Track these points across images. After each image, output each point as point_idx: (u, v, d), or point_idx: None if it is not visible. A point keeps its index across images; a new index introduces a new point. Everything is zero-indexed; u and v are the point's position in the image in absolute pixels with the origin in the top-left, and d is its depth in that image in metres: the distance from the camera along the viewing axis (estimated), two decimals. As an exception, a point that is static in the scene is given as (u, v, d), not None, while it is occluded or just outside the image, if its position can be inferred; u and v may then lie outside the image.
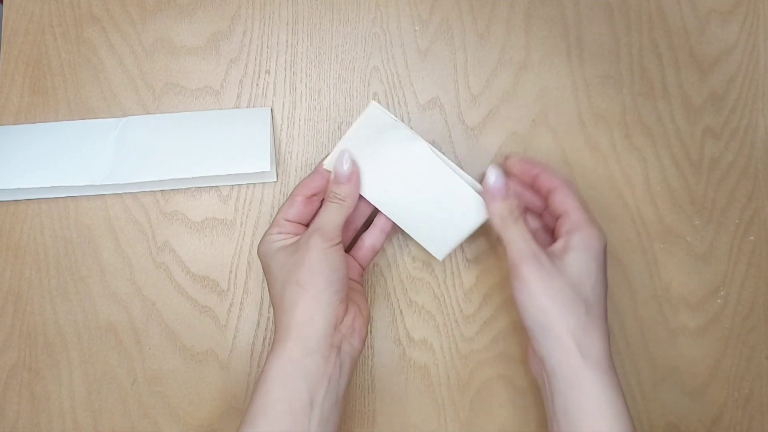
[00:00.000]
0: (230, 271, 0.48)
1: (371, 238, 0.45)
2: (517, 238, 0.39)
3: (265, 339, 0.47)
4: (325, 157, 0.43)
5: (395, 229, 0.45)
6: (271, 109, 0.49)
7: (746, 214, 0.48)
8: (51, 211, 0.48)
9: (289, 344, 0.38)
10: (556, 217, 0.42)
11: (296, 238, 0.41)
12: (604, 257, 0.40)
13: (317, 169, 0.43)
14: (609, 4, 0.50)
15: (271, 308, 0.47)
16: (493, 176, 0.41)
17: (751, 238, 0.48)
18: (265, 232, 0.42)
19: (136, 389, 0.46)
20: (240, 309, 0.47)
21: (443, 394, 0.46)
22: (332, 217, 0.41)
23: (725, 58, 0.50)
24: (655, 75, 0.49)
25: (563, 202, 0.41)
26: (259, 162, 0.46)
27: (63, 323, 0.47)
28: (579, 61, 0.49)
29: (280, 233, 0.41)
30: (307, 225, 0.42)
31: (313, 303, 0.38)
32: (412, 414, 0.46)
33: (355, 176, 0.42)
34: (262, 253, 0.42)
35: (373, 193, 0.43)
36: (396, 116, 0.49)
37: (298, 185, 0.43)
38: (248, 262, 0.48)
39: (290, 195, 0.43)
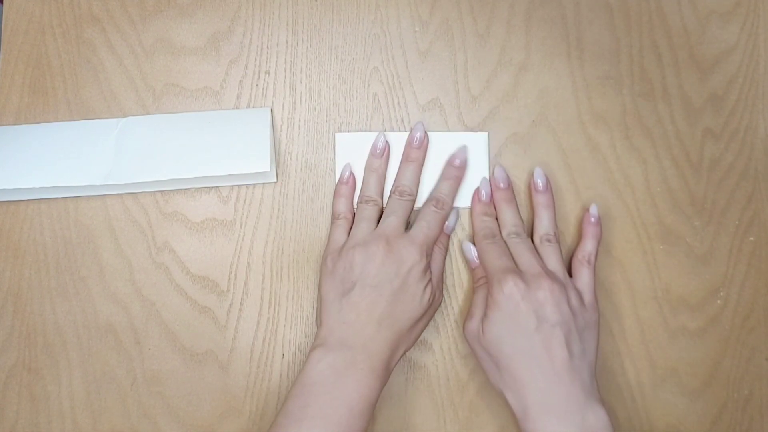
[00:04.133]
0: (230, 272, 0.47)
1: None
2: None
3: (264, 339, 0.47)
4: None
5: None
6: (271, 110, 0.49)
7: (746, 215, 0.48)
8: (51, 211, 0.48)
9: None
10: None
11: None
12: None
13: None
14: (609, 5, 0.50)
15: (271, 308, 0.47)
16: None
17: (751, 239, 0.48)
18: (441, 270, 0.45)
19: (135, 389, 0.46)
20: (240, 309, 0.47)
21: (443, 394, 0.46)
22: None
23: (725, 59, 0.50)
24: (655, 76, 0.49)
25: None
26: (259, 162, 0.46)
27: (62, 323, 0.47)
28: (579, 62, 0.49)
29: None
30: None
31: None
32: (412, 414, 0.46)
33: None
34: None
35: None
36: (396, 116, 0.49)
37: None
38: (248, 263, 0.48)
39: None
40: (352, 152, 0.48)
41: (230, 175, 0.46)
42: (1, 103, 0.49)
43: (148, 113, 0.49)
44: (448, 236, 0.47)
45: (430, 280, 0.43)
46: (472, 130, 0.49)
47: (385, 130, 0.49)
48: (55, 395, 0.46)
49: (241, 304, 0.47)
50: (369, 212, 0.45)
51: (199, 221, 0.48)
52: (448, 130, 0.49)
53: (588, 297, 0.43)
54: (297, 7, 0.50)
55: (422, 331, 0.44)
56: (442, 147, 0.48)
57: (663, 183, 0.48)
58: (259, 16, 0.50)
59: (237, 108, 0.49)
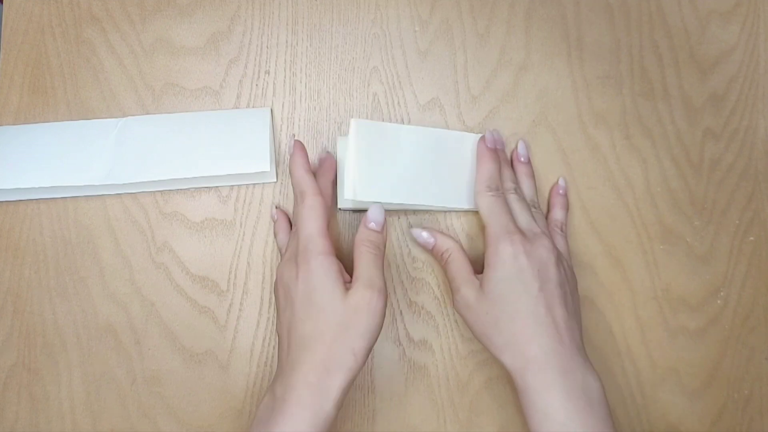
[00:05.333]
0: (230, 272, 0.47)
1: None
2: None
3: (264, 339, 0.47)
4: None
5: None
6: (271, 110, 0.49)
7: (746, 215, 0.48)
8: (50, 211, 0.48)
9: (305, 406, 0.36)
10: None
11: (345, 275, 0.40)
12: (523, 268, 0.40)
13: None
14: (609, 5, 0.50)
15: (271, 308, 0.47)
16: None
17: (751, 239, 0.48)
18: (320, 251, 0.38)
19: (135, 390, 0.46)
20: (239, 309, 0.47)
21: (443, 394, 0.46)
22: (378, 267, 0.39)
23: (725, 59, 0.49)
24: (655, 75, 0.49)
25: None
26: (259, 162, 0.46)
27: (62, 323, 0.47)
28: (579, 62, 0.49)
29: (335, 259, 0.39)
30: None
31: (355, 373, 0.37)
32: (412, 414, 0.46)
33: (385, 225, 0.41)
34: (318, 274, 0.38)
35: (401, 196, 0.45)
36: (396, 116, 0.49)
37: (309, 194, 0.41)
38: (248, 263, 0.47)
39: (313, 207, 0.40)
40: (365, 140, 0.44)
41: (230, 175, 0.46)
42: (1, 103, 0.49)
43: (147, 113, 0.49)
44: (372, 230, 0.41)
45: (347, 281, 0.40)
46: (472, 129, 0.49)
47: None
48: (55, 395, 0.46)
49: (241, 304, 0.47)
50: (285, 240, 0.45)
51: (199, 221, 0.48)
52: (448, 130, 0.49)
53: (568, 261, 0.44)
54: (297, 6, 0.50)
55: (365, 340, 0.38)
56: (459, 146, 0.47)
57: (663, 183, 0.48)
58: (258, 16, 0.50)
59: (237, 108, 0.49)
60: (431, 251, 0.46)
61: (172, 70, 0.49)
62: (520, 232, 0.42)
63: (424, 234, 0.46)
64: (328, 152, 0.47)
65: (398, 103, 0.49)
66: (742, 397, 0.47)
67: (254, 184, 0.48)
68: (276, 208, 0.47)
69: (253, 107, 0.49)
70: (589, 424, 0.37)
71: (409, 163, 0.45)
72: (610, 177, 0.48)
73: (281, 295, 0.40)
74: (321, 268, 0.38)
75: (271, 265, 0.47)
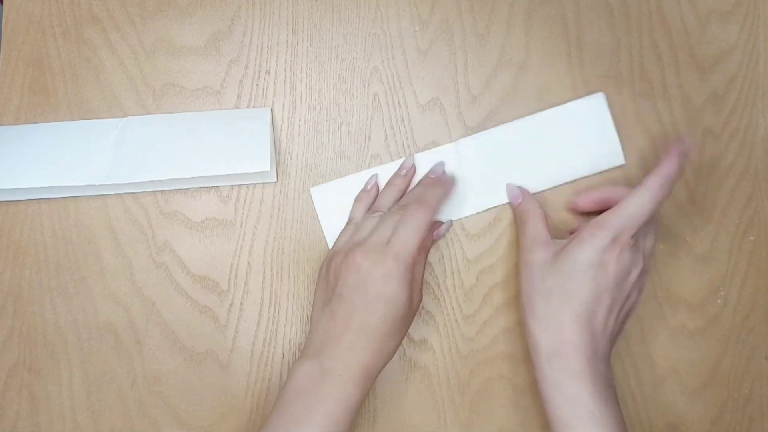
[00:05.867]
0: (230, 272, 0.47)
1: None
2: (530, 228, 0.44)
3: (265, 339, 0.47)
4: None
5: None
6: (271, 109, 0.49)
7: (746, 214, 0.48)
8: (51, 211, 0.48)
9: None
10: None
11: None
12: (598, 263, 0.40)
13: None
14: (609, 5, 0.50)
15: (271, 308, 0.47)
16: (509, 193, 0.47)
17: (751, 238, 0.48)
18: (410, 258, 0.41)
19: (135, 389, 0.46)
20: (240, 309, 0.47)
21: (443, 394, 0.46)
22: (422, 282, 0.46)
23: (725, 59, 0.50)
24: (655, 75, 0.49)
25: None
26: (259, 162, 0.46)
27: (63, 323, 0.47)
28: (579, 62, 0.49)
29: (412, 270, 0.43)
30: None
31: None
32: (412, 414, 0.46)
33: None
34: (401, 278, 0.41)
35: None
36: (396, 116, 0.49)
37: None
38: (248, 263, 0.48)
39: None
40: (331, 202, 0.48)
41: (230, 174, 0.46)
42: (1, 103, 0.49)
43: (148, 113, 0.49)
44: (433, 240, 0.47)
45: (411, 285, 0.43)
46: (472, 129, 0.49)
47: (385, 130, 0.49)
48: (56, 395, 0.46)
49: (241, 303, 0.47)
50: (370, 222, 0.45)
51: (200, 221, 0.48)
52: (448, 130, 0.49)
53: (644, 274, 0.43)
54: (297, 6, 0.50)
55: (405, 333, 0.44)
56: (557, 120, 0.48)
57: (663, 182, 0.48)
58: (259, 16, 0.50)
59: (237, 108, 0.49)
60: (515, 207, 0.47)
61: (173, 70, 0.49)
62: (616, 233, 0.40)
63: (516, 190, 0.47)
64: (444, 171, 0.48)
65: (398, 103, 0.49)
66: (742, 396, 0.47)
67: (254, 184, 0.48)
68: (375, 181, 0.48)
69: (253, 107, 0.49)
70: (615, 415, 0.38)
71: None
72: (609, 177, 0.48)
73: (352, 280, 0.41)
74: (407, 274, 0.41)
75: (271, 265, 0.47)
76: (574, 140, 0.48)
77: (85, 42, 0.49)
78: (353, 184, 0.48)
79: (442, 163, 0.48)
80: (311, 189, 0.48)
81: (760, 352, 0.47)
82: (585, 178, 0.48)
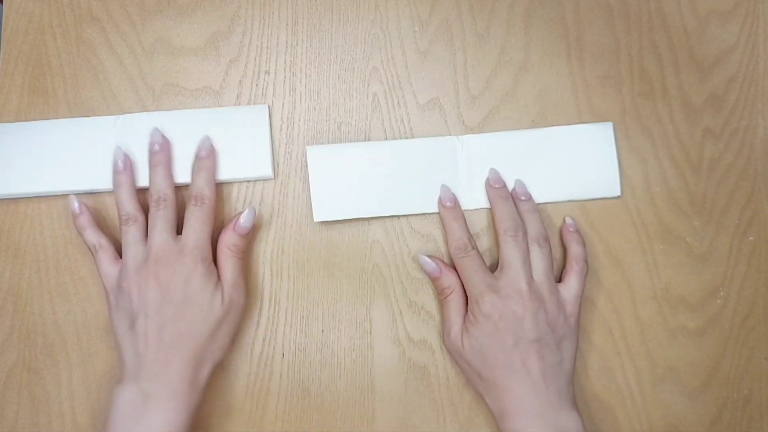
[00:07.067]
0: (230, 272, 0.47)
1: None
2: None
3: (264, 339, 0.47)
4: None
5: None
6: (269, 107, 0.49)
7: (746, 214, 0.48)
8: (51, 211, 0.48)
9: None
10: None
11: None
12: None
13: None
14: (609, 5, 0.50)
15: (271, 308, 0.47)
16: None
17: (751, 238, 0.48)
18: (203, 257, 0.42)
19: (135, 389, 0.46)
20: (239, 309, 0.47)
21: (443, 394, 0.46)
22: (241, 270, 0.45)
23: (725, 59, 0.50)
24: (654, 75, 0.49)
25: None
26: (261, 168, 0.47)
27: (62, 323, 0.47)
28: (579, 62, 0.49)
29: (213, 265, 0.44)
30: None
31: (218, 364, 0.44)
32: (412, 414, 0.46)
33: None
34: (198, 278, 0.42)
35: (367, 210, 0.47)
36: (396, 116, 0.49)
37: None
38: (248, 263, 0.47)
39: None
40: (326, 166, 0.47)
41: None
42: (1, 103, 0.49)
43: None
44: (240, 235, 0.44)
45: (219, 282, 0.42)
46: (472, 129, 0.49)
47: (385, 130, 0.49)
48: (55, 395, 0.46)
49: (241, 303, 0.47)
50: (132, 234, 0.43)
51: (199, 221, 0.48)
52: (448, 131, 0.49)
53: (570, 307, 0.44)
54: (297, 6, 0.50)
55: (230, 335, 0.43)
56: (563, 139, 0.48)
57: (663, 183, 0.48)
58: (258, 16, 0.50)
59: (237, 108, 0.49)
60: (434, 282, 0.46)
61: (172, 70, 0.49)
62: (496, 291, 0.42)
63: (431, 264, 0.45)
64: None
65: (398, 103, 0.49)
66: (741, 396, 0.47)
67: (253, 181, 0.48)
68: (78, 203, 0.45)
69: (253, 107, 0.49)
70: None
71: (370, 178, 0.47)
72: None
73: (153, 294, 0.41)
74: (208, 270, 0.42)
75: (270, 265, 0.47)
76: (575, 163, 0.48)
77: (85, 42, 0.49)
78: (352, 152, 0.47)
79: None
80: (307, 147, 0.47)
81: (759, 353, 0.47)
82: (578, 201, 0.48)
